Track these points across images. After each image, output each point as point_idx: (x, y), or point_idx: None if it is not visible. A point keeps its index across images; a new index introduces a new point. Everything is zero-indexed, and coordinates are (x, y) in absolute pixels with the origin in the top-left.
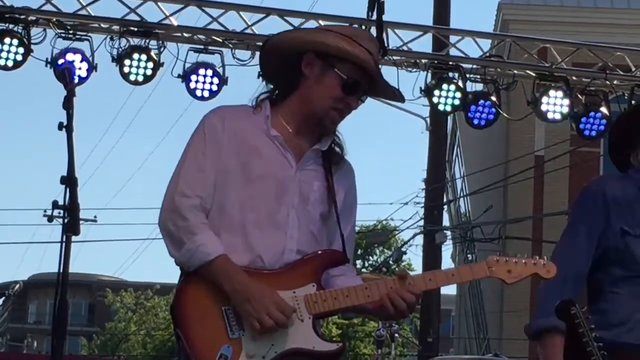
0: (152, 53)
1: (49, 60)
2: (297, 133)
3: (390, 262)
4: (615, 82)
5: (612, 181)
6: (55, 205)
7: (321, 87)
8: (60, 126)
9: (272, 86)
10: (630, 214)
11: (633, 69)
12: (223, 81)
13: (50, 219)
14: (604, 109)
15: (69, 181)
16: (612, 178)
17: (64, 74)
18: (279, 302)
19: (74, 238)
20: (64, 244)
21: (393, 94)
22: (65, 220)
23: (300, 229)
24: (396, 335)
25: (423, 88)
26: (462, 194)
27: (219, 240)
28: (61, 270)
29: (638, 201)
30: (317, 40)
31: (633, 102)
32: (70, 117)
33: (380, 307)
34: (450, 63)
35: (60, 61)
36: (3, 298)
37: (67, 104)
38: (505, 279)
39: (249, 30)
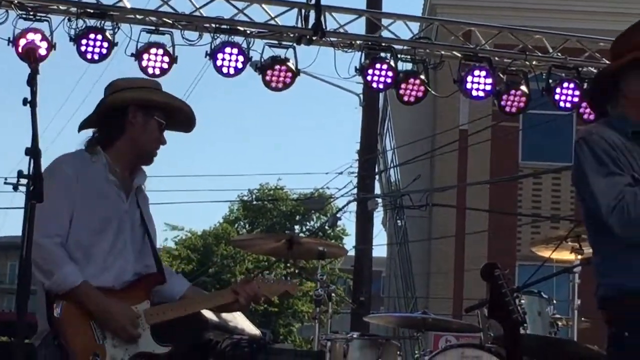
0: (107, 33)
1: (11, 39)
2: (123, 170)
3: (326, 227)
4: (534, 62)
5: (604, 130)
6: (20, 174)
7: (147, 133)
8: (25, 102)
9: (96, 132)
10: (632, 161)
11: (550, 50)
12: (173, 60)
13: (16, 187)
14: (523, 87)
15: (33, 153)
16: (601, 127)
17: (29, 53)
18: (133, 319)
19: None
20: (28, 210)
21: (190, 121)
22: (30, 188)
23: (133, 252)
24: (332, 294)
25: (358, 67)
26: (392, 165)
27: (79, 270)
28: (25, 234)
29: (632, 150)
30: (140, 97)
31: (550, 80)
32: (34, 93)
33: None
34: (383, 44)
35: (22, 41)
36: None
37: (31, 81)
38: (268, 295)
39: (197, 13)
